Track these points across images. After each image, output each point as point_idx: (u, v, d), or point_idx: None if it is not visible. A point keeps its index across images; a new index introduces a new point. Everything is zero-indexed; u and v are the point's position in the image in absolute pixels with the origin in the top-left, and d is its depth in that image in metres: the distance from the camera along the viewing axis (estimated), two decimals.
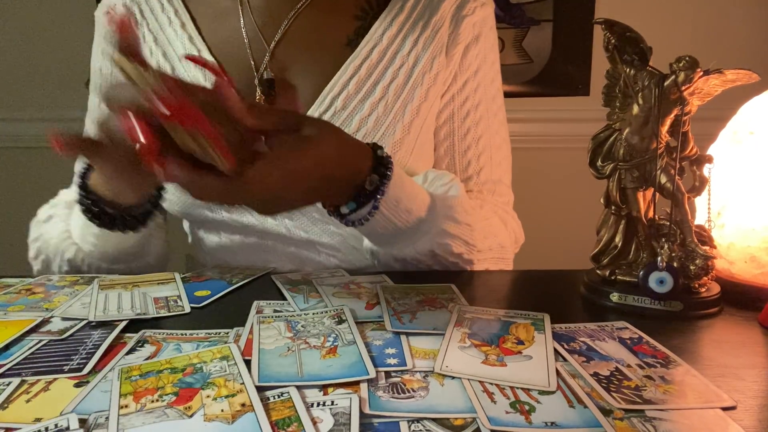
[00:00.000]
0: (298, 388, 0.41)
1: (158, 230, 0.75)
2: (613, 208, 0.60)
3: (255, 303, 0.57)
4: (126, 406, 0.38)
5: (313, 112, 0.75)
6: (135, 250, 0.71)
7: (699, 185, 0.59)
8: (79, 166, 0.85)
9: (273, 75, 0.76)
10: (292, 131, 0.52)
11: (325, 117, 0.74)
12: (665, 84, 0.55)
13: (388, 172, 0.61)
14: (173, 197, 0.77)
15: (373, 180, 0.60)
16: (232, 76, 0.75)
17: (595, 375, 0.43)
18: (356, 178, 0.60)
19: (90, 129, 0.85)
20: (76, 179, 0.66)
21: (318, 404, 0.39)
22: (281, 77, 0.77)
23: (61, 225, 0.72)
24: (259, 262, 0.75)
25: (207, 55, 0.77)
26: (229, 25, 0.79)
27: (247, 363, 0.44)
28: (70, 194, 0.74)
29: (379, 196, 0.60)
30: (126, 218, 0.66)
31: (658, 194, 0.58)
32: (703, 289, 0.57)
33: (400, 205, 0.63)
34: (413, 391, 0.41)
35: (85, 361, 0.46)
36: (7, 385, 0.42)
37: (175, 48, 0.79)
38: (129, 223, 0.66)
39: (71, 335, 0.51)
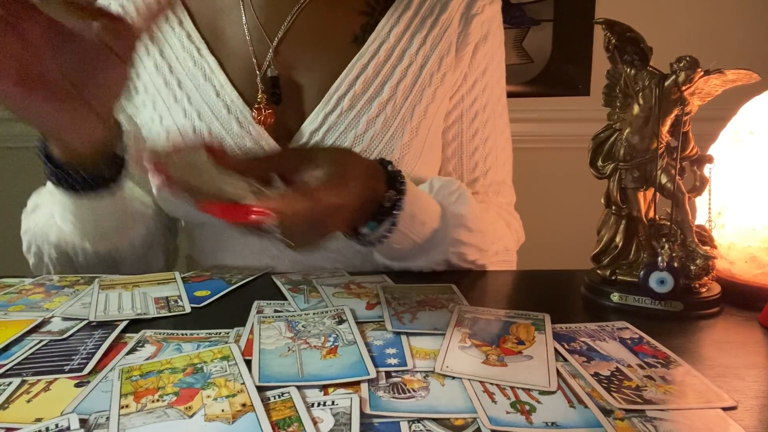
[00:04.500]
0: (299, 388, 0.41)
1: (142, 206, 0.74)
2: (613, 208, 0.60)
3: (255, 303, 0.57)
4: (126, 406, 0.38)
5: (319, 112, 0.73)
6: (114, 224, 0.69)
7: (699, 185, 0.59)
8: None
9: (277, 73, 0.75)
10: (305, 163, 0.52)
11: (332, 117, 0.73)
12: (665, 84, 0.55)
13: (402, 187, 0.60)
14: (159, 195, 0.76)
15: (391, 196, 0.60)
16: (234, 73, 0.76)
17: (596, 375, 0.43)
18: (375, 197, 0.59)
19: None
20: (38, 144, 0.60)
21: (318, 404, 0.39)
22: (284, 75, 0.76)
23: (45, 210, 0.71)
24: (260, 266, 0.75)
25: (206, 53, 0.76)
26: (229, 22, 0.77)
27: (248, 363, 0.44)
28: None
29: (396, 212, 0.60)
30: (91, 176, 0.61)
31: (658, 194, 0.58)
32: (704, 289, 0.57)
33: (416, 218, 0.62)
34: (414, 391, 0.41)
35: (85, 361, 0.45)
36: (8, 385, 0.42)
37: (173, 46, 0.77)
38: (94, 182, 0.61)
39: (72, 335, 0.51)
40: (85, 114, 0.53)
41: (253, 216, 0.44)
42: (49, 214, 0.70)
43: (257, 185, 0.46)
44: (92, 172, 0.61)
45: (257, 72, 0.75)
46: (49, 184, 0.65)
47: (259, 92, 0.74)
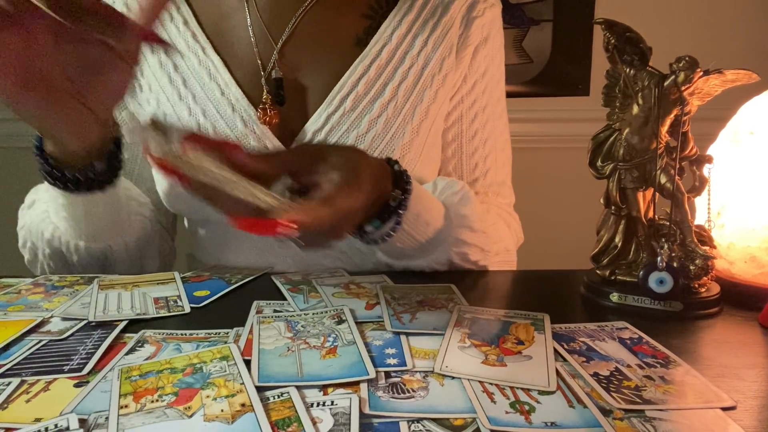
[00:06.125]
0: (298, 388, 0.41)
1: (138, 206, 0.74)
2: (613, 208, 0.60)
3: (255, 303, 0.57)
4: (126, 406, 0.38)
5: (322, 112, 0.74)
6: (107, 224, 0.68)
7: (699, 185, 0.59)
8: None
9: (281, 74, 0.75)
10: (317, 162, 0.52)
11: (334, 117, 0.74)
12: (665, 84, 0.55)
13: (408, 187, 0.61)
14: (170, 191, 0.76)
15: (396, 196, 0.60)
16: (238, 74, 0.76)
17: (595, 375, 0.43)
18: (382, 196, 0.59)
19: None
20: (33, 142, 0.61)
21: (318, 404, 0.39)
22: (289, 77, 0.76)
23: (42, 207, 0.71)
24: (263, 264, 0.75)
25: (211, 52, 0.76)
26: (234, 23, 0.78)
27: (247, 363, 0.44)
28: None
29: (401, 212, 0.60)
30: (85, 176, 0.62)
31: (657, 194, 0.58)
32: (703, 289, 0.57)
33: (420, 218, 0.63)
34: (413, 391, 0.41)
35: (85, 361, 0.45)
36: (7, 385, 0.42)
37: (177, 45, 0.77)
38: (88, 181, 0.62)
39: (71, 335, 0.51)
40: (84, 115, 0.54)
41: (280, 230, 0.44)
42: (44, 211, 0.70)
43: (281, 198, 0.46)
44: (86, 171, 0.62)
45: (262, 73, 0.76)
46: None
47: (264, 93, 0.75)
